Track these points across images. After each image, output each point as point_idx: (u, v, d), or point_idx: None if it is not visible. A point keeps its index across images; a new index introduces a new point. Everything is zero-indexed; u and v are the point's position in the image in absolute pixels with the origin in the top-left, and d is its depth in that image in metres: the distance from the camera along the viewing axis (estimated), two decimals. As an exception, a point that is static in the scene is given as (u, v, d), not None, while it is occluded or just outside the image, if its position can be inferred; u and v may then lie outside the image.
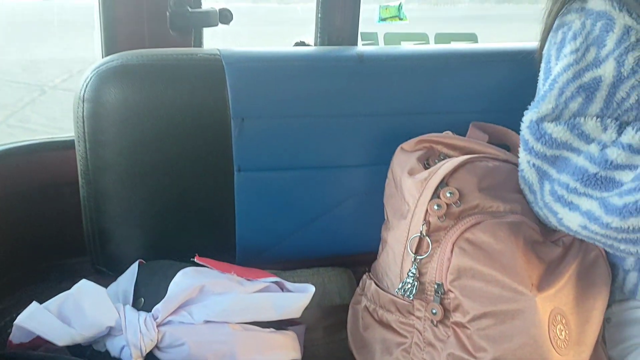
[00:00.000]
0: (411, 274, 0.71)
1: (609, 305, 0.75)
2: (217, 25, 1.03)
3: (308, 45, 1.01)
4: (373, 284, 0.79)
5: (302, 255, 0.94)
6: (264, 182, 0.87)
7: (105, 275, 0.86)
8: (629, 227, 0.63)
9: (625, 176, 0.64)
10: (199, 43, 1.03)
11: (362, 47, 0.99)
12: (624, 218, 0.62)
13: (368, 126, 0.88)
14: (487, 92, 0.91)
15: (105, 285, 0.75)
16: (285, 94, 0.85)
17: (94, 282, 0.72)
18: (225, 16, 1.03)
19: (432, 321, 0.70)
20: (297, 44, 1.01)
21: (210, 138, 0.83)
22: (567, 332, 0.67)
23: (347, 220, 0.92)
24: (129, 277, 0.78)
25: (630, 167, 0.64)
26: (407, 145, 0.82)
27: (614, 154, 0.64)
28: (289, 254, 0.92)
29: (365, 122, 0.88)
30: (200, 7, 1.01)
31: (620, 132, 0.66)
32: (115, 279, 0.80)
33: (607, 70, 0.66)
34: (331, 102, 0.87)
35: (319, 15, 0.99)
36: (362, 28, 1.02)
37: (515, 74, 0.85)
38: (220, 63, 0.83)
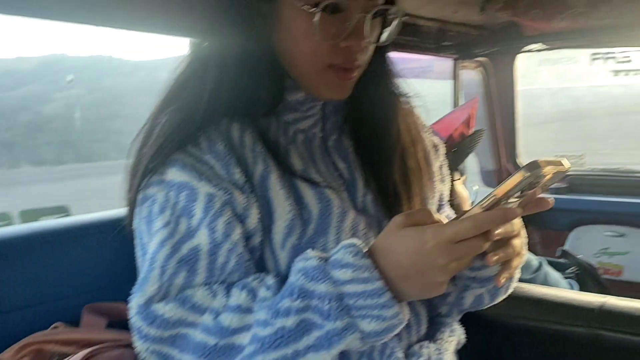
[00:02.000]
0: None
1: None
2: None
3: None
4: None
5: None
6: None
7: None
8: None
9: (244, 339, 0.62)
10: None
11: None
12: None
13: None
14: (94, 267, 0.84)
15: None
16: None
17: None
18: None
19: None
20: None
21: None
22: None
23: None
24: None
25: (245, 328, 0.62)
26: (7, 355, 0.68)
27: (227, 319, 0.62)
28: None
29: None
30: None
31: (228, 295, 0.64)
32: None
33: (202, 239, 0.65)
34: None
35: None
36: None
37: (121, 242, 0.79)
38: None
